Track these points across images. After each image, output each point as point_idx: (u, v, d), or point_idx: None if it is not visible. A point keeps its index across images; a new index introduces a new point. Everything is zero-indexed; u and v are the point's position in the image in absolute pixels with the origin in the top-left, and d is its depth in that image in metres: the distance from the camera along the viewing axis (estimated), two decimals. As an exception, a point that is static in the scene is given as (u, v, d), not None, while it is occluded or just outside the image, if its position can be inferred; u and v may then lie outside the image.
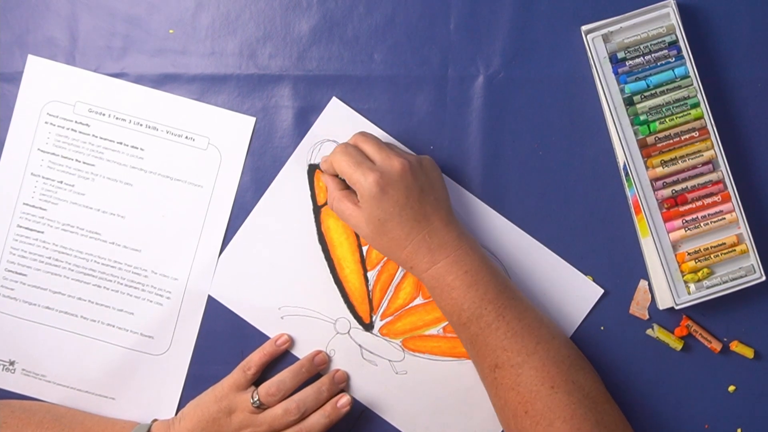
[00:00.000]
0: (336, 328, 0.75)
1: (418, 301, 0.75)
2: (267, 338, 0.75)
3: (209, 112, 0.76)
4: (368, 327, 0.75)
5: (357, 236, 0.75)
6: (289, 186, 0.75)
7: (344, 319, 0.75)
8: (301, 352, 0.75)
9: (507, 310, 0.67)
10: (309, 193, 0.75)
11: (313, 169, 0.75)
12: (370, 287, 0.75)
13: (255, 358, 0.73)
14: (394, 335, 0.75)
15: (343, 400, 0.73)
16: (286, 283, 0.75)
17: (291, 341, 0.74)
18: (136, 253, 0.76)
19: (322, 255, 0.75)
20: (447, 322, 0.75)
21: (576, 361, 0.67)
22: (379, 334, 0.75)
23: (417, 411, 0.75)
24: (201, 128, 0.76)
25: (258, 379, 0.73)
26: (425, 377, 0.75)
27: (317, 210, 0.75)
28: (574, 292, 0.74)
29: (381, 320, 0.75)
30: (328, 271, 0.75)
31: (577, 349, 0.70)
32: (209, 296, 0.76)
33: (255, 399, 0.71)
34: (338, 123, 0.75)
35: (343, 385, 0.74)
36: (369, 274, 0.75)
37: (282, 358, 0.75)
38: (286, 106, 0.76)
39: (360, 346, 0.75)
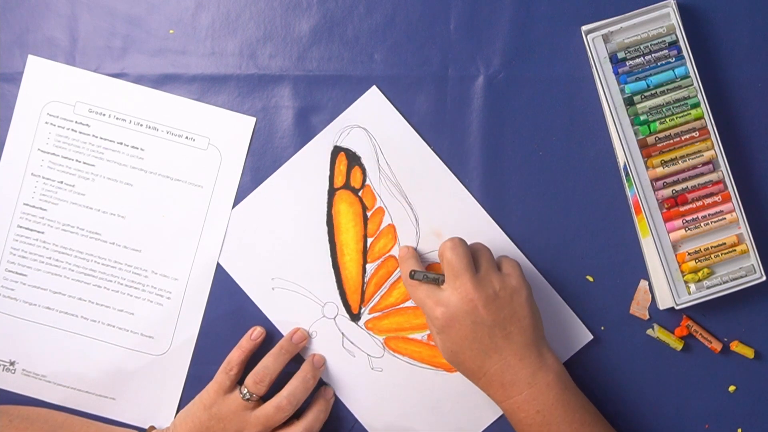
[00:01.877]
0: (323, 311, 0.75)
1: (410, 303, 0.75)
2: (261, 314, 0.75)
3: (209, 112, 0.76)
4: (355, 317, 0.75)
5: (365, 226, 0.75)
6: (311, 162, 0.75)
7: (333, 304, 0.75)
8: (286, 328, 0.75)
9: None
10: (328, 173, 0.75)
11: (337, 151, 0.75)
12: (366, 279, 0.75)
13: (234, 357, 0.73)
14: (379, 331, 0.75)
15: (329, 392, 0.74)
16: (284, 256, 0.75)
17: (265, 333, 0.74)
18: (136, 254, 0.76)
19: (326, 237, 0.75)
20: None
21: None
22: (363, 327, 0.75)
23: (383, 410, 0.75)
24: (201, 128, 0.76)
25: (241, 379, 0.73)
26: (399, 379, 0.75)
27: (332, 191, 0.75)
28: (564, 332, 0.74)
29: (369, 314, 0.75)
30: (329, 254, 0.75)
31: None
32: (209, 298, 0.75)
33: (245, 392, 0.71)
34: (372, 112, 0.75)
35: (323, 368, 0.75)
36: (368, 266, 0.75)
37: (267, 346, 0.74)
38: (286, 106, 0.76)
39: (343, 334, 0.75)
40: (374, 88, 0.75)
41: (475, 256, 0.69)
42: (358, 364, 0.75)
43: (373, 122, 0.75)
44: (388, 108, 0.75)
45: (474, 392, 0.74)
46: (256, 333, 0.74)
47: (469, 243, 0.70)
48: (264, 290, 0.75)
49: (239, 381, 0.73)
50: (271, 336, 0.75)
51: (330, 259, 0.75)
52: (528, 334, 0.67)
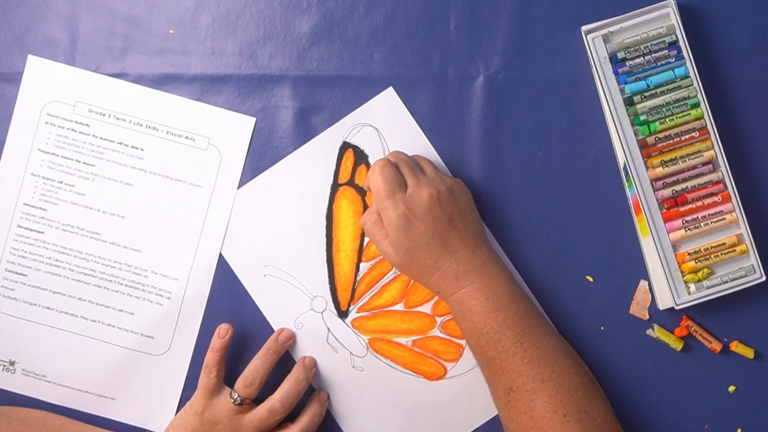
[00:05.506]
0: (312, 305, 0.75)
1: (398, 307, 0.75)
2: (255, 307, 0.75)
3: (209, 112, 0.76)
4: (342, 314, 0.76)
5: None
6: (319, 155, 0.75)
7: (322, 299, 0.75)
8: (274, 316, 0.75)
9: (525, 337, 0.67)
10: (334, 168, 0.76)
11: (345, 147, 0.75)
12: (359, 277, 0.76)
13: (210, 360, 0.72)
14: (365, 331, 0.76)
15: (324, 395, 0.74)
16: (280, 245, 0.75)
17: (232, 329, 0.73)
18: (136, 254, 0.76)
19: (324, 230, 0.76)
20: (418, 336, 0.75)
21: (589, 391, 0.68)
22: (350, 325, 0.75)
23: (358, 409, 0.75)
24: (201, 128, 0.76)
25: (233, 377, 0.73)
26: (379, 381, 0.75)
27: (335, 186, 0.76)
28: None
29: (357, 312, 0.76)
30: (324, 248, 0.76)
31: (593, 378, 0.70)
32: (209, 298, 0.76)
33: (235, 397, 0.71)
34: (386, 112, 0.75)
35: (314, 370, 0.75)
36: (362, 265, 0.76)
37: (256, 341, 0.74)
38: (286, 106, 0.76)
39: (328, 329, 0.75)
40: (390, 89, 0.75)
41: (420, 165, 0.72)
42: (340, 361, 0.75)
43: (385, 123, 0.75)
44: (402, 110, 0.75)
45: (451, 404, 0.74)
46: (222, 330, 0.73)
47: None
48: (256, 276, 0.75)
49: (229, 383, 0.73)
50: (260, 325, 0.75)
51: (325, 254, 0.76)
52: (476, 229, 0.71)
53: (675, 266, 0.71)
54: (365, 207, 0.76)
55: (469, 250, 0.69)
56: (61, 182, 0.76)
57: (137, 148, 0.76)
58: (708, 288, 0.71)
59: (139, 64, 0.76)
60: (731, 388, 0.74)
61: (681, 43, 0.71)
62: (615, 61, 0.72)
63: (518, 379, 0.67)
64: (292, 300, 0.75)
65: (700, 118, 0.71)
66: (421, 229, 0.68)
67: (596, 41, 0.72)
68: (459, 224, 0.69)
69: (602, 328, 0.74)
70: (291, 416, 0.73)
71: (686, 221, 0.71)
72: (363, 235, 0.76)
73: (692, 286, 0.71)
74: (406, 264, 0.70)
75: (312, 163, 0.76)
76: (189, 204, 0.76)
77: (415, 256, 0.69)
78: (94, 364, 0.76)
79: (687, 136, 0.71)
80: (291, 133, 0.76)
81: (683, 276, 0.71)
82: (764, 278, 0.71)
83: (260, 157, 0.76)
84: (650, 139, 0.71)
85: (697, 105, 0.71)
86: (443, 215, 0.69)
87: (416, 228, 0.68)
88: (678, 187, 0.71)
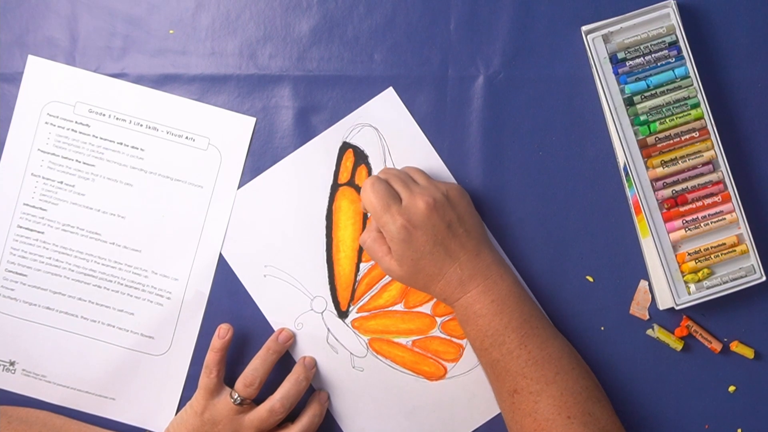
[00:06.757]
0: (312, 305, 0.75)
1: (399, 307, 0.75)
2: (259, 311, 0.75)
3: (209, 113, 0.76)
4: (342, 314, 0.76)
5: (363, 225, 0.75)
6: (319, 155, 0.75)
7: (322, 299, 0.75)
8: (274, 316, 0.75)
9: (530, 339, 0.67)
10: (334, 168, 0.76)
11: (345, 147, 0.75)
12: (359, 277, 0.76)
13: (210, 360, 0.72)
14: (365, 331, 0.76)
15: (324, 395, 0.74)
16: (280, 245, 0.75)
17: (232, 329, 0.73)
18: (136, 254, 0.76)
19: (324, 231, 0.76)
20: (418, 336, 0.75)
21: (593, 393, 0.68)
22: (350, 325, 0.76)
23: (359, 409, 0.75)
24: (201, 128, 0.76)
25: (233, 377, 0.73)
26: (379, 381, 0.75)
27: (335, 187, 0.76)
28: None
29: (357, 312, 0.76)
30: (324, 249, 0.76)
31: (596, 380, 0.70)
32: (209, 298, 0.76)
33: (235, 397, 0.71)
34: (385, 113, 0.75)
35: (314, 370, 0.75)
36: (362, 265, 0.76)
37: (256, 341, 0.74)
38: (286, 106, 0.76)
39: (328, 329, 0.75)
40: (390, 89, 0.75)
41: (411, 176, 0.72)
42: (340, 362, 0.75)
43: (384, 123, 0.75)
44: (401, 110, 0.75)
45: (451, 404, 0.74)
46: (223, 331, 0.73)
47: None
48: (256, 276, 0.75)
49: (229, 383, 0.73)
50: (260, 325, 0.75)
51: (325, 254, 0.76)
52: (478, 232, 0.71)
53: (675, 266, 0.71)
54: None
55: (472, 255, 0.69)
56: (61, 182, 0.76)
57: (137, 148, 0.76)
58: (708, 288, 0.71)
59: (139, 64, 0.76)
60: (731, 388, 0.74)
61: (681, 43, 0.71)
62: (615, 61, 0.72)
63: (522, 381, 0.67)
64: (292, 300, 0.75)
65: (700, 118, 0.71)
66: (423, 239, 0.68)
67: (596, 41, 0.72)
68: (459, 229, 0.69)
69: (602, 328, 0.74)
70: (291, 416, 0.73)
71: (686, 221, 0.71)
72: (363, 235, 0.76)
73: (692, 286, 0.71)
74: (412, 275, 0.70)
75: (312, 163, 0.76)
76: (189, 204, 0.76)
77: (420, 266, 0.69)
78: (94, 364, 0.76)
79: (687, 136, 0.72)
80: (291, 133, 0.76)
81: (683, 276, 0.71)
82: (764, 278, 0.71)
83: (260, 157, 0.76)
84: (650, 139, 0.71)
85: (697, 105, 0.71)
86: (442, 222, 0.69)
87: (417, 238, 0.68)
88: (678, 187, 0.71)
